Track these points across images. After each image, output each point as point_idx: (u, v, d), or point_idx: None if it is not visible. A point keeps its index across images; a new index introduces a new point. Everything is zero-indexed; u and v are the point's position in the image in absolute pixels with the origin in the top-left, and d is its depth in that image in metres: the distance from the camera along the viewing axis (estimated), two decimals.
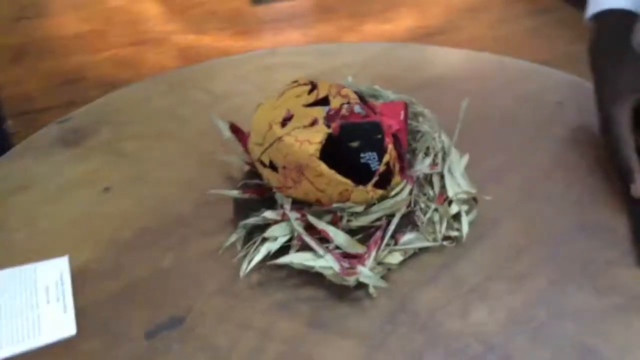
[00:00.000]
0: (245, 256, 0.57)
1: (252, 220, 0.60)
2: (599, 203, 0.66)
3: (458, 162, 0.66)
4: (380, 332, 0.52)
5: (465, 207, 0.62)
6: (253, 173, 0.67)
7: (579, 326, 0.53)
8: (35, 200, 0.67)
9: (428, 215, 0.61)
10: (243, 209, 0.62)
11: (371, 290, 0.55)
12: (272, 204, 0.60)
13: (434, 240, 0.60)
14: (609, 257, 0.59)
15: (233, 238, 0.59)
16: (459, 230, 0.61)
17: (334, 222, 0.58)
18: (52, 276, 0.57)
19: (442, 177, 0.64)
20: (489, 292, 0.56)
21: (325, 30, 2.61)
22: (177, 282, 0.57)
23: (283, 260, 0.56)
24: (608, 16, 0.78)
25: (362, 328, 0.53)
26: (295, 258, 0.56)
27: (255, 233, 0.59)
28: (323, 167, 0.56)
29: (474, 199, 0.63)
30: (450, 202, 0.62)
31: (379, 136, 0.57)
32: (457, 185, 0.64)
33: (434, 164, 0.64)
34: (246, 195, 0.62)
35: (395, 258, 0.57)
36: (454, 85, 0.86)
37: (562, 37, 2.46)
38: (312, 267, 0.55)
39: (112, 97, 0.85)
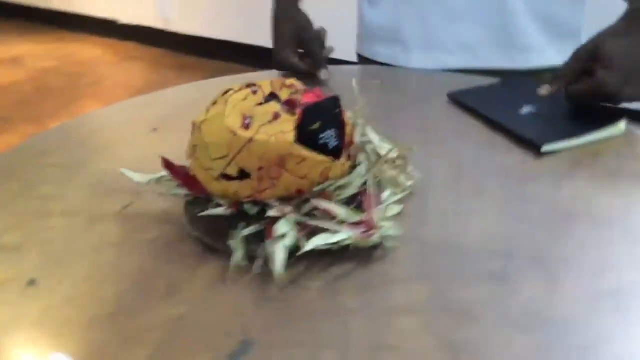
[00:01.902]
0: (264, 264, 0.56)
1: (250, 230, 0.58)
2: None
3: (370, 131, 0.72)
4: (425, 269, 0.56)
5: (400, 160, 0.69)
6: (194, 203, 0.65)
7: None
8: None
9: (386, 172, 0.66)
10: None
11: (390, 244, 0.59)
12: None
13: (403, 190, 0.66)
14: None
15: (239, 254, 0.58)
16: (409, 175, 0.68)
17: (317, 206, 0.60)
18: None
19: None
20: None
21: None
22: (217, 315, 0.53)
23: (308, 247, 0.56)
24: None
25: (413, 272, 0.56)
26: (316, 242, 0.57)
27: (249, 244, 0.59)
28: (304, 151, 0.58)
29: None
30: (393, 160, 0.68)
31: (337, 110, 0.60)
32: (384, 144, 0.71)
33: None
34: (228, 212, 0.60)
35: (395, 209, 0.62)
36: None
37: None
38: (336, 243, 0.57)
39: None
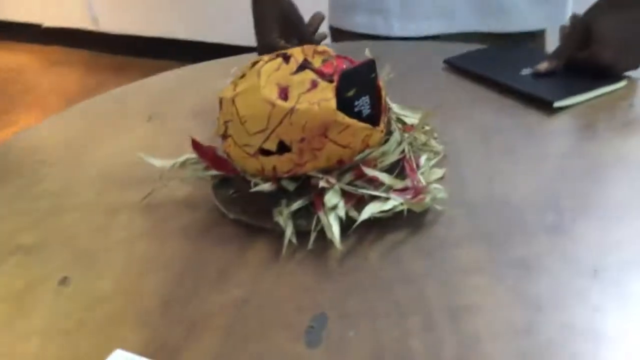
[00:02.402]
0: (316, 238, 0.54)
1: (298, 204, 0.56)
2: None
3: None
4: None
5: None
6: (222, 185, 0.62)
7: None
8: None
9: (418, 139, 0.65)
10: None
11: (440, 206, 0.57)
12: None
13: (436, 154, 0.65)
14: None
15: (289, 231, 0.55)
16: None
17: (360, 173, 0.58)
18: None
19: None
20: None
21: None
22: (281, 293, 0.50)
23: (364, 216, 0.54)
24: None
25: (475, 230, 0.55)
26: (370, 210, 0.55)
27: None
28: (347, 118, 0.56)
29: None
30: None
31: (373, 75, 0.59)
32: (405, 112, 0.70)
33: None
34: (273, 188, 0.57)
35: (438, 173, 0.60)
36: None
37: None
38: (390, 210, 0.55)
39: None
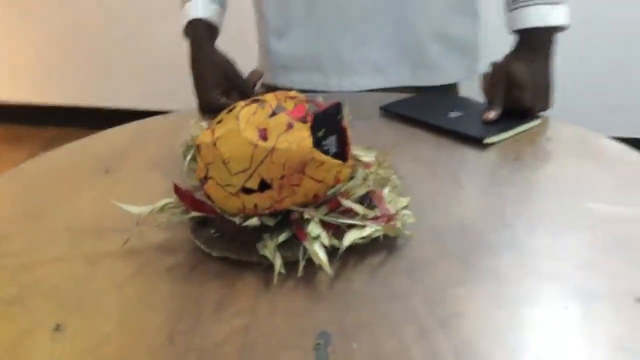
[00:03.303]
0: (305, 266, 0.58)
1: (283, 236, 0.60)
2: None
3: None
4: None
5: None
6: (200, 223, 0.65)
7: None
8: None
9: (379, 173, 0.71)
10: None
11: (408, 232, 0.63)
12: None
13: (396, 186, 0.71)
14: None
15: (279, 262, 0.58)
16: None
17: (334, 206, 0.63)
18: None
19: None
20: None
21: None
22: (280, 317, 0.53)
23: (346, 243, 0.59)
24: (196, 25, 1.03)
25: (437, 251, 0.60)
26: (351, 237, 0.59)
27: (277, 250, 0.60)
28: (322, 155, 0.61)
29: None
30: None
31: (339, 117, 0.64)
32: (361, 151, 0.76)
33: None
34: (258, 223, 0.60)
35: (403, 202, 0.66)
36: None
37: None
38: (368, 236, 0.60)
39: None
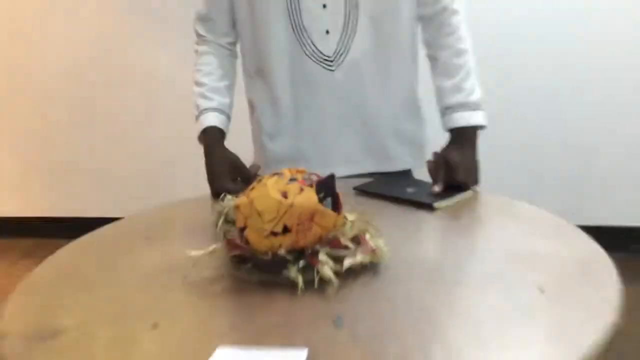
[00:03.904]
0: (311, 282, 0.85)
1: (302, 263, 0.87)
2: None
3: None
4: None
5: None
6: (239, 262, 0.92)
7: None
8: None
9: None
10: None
11: (386, 260, 0.91)
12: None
13: (373, 233, 0.99)
14: None
15: (300, 280, 0.85)
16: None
17: (335, 244, 0.91)
18: None
19: None
20: None
21: None
22: (308, 311, 0.79)
23: (346, 266, 0.86)
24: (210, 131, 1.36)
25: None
26: (349, 263, 0.87)
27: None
28: (324, 209, 0.89)
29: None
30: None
31: (333, 183, 0.94)
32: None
33: None
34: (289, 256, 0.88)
35: (380, 241, 0.94)
36: None
37: None
38: (359, 262, 0.88)
39: None
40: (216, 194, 1.28)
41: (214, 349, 0.71)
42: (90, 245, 1.12)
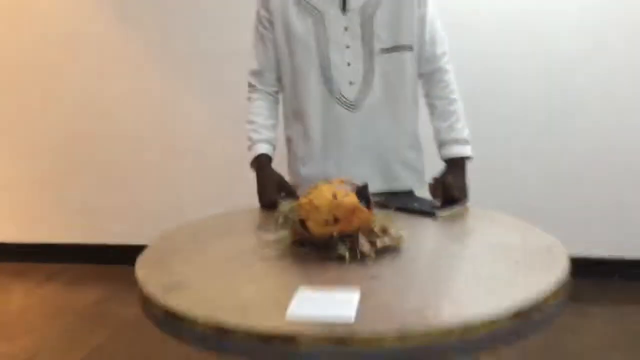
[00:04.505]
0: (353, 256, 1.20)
1: (348, 244, 1.22)
2: None
3: None
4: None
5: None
6: (299, 244, 1.28)
7: None
8: None
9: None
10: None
11: (404, 244, 1.27)
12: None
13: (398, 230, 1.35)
14: None
15: (348, 255, 1.20)
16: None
17: (370, 231, 1.27)
18: None
19: None
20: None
21: None
22: (355, 273, 1.14)
23: (379, 245, 1.22)
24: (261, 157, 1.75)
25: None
26: (380, 243, 1.23)
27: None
28: (363, 207, 1.26)
29: None
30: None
31: (367, 190, 1.31)
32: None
33: None
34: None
35: (400, 232, 1.30)
36: None
37: None
38: (388, 244, 1.24)
39: None
40: (265, 203, 1.64)
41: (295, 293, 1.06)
42: (180, 235, 1.47)
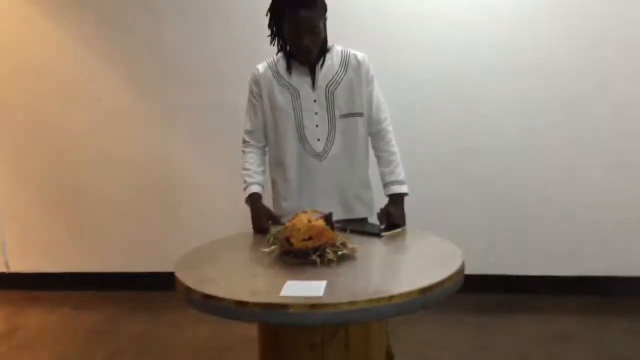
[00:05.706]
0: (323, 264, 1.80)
1: (318, 254, 1.83)
2: None
3: None
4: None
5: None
6: (286, 254, 1.88)
7: None
8: None
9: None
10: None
11: (357, 253, 1.88)
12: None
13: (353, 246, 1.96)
14: None
15: (318, 261, 1.81)
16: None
17: (333, 245, 1.87)
18: None
19: None
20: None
21: None
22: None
23: (339, 254, 1.83)
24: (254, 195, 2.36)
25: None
26: (340, 253, 1.84)
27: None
28: (329, 229, 1.87)
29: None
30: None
31: (331, 217, 1.92)
32: None
33: None
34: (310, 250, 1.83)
35: (355, 246, 1.91)
36: None
37: None
38: (343, 254, 1.85)
39: None
40: (258, 229, 2.24)
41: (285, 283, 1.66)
42: (202, 250, 2.05)
